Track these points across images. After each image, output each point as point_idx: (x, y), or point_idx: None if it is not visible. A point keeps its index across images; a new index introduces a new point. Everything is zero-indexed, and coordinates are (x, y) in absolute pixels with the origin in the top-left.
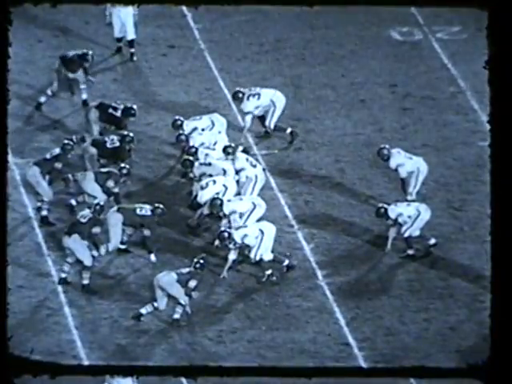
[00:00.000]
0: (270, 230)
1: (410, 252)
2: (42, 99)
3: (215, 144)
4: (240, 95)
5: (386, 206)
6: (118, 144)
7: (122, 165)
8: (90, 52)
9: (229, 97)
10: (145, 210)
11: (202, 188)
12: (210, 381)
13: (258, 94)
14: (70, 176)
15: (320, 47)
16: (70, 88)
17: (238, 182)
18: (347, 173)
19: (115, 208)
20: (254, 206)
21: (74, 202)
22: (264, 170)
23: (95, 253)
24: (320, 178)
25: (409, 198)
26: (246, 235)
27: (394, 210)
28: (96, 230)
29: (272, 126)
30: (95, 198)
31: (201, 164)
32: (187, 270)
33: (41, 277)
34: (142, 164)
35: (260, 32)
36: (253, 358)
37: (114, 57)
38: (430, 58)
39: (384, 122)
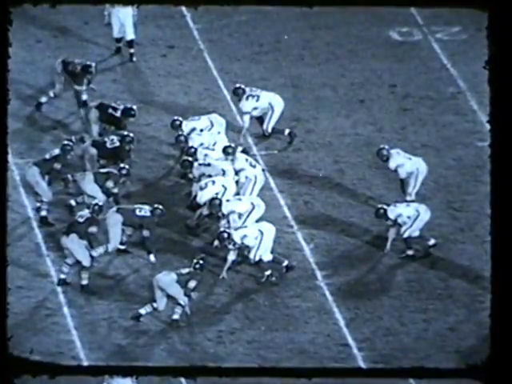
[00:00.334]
0: (270, 230)
1: (410, 252)
2: (43, 99)
3: (214, 144)
4: (240, 92)
5: (385, 206)
6: (118, 144)
7: (122, 165)
8: (93, 64)
9: (228, 97)
10: (144, 210)
11: (202, 188)
12: (210, 381)
13: (258, 96)
14: (69, 176)
15: (320, 47)
16: (78, 99)
17: (237, 182)
18: (347, 173)
19: (114, 208)
20: (253, 207)
21: (73, 202)
22: (263, 170)
23: (94, 253)
24: (319, 178)
25: (408, 198)
26: (245, 236)
27: (393, 211)
28: (92, 229)
29: (270, 130)
30: (94, 198)
31: (200, 164)
32: (187, 270)
33: (40, 277)
34: (141, 164)
35: (260, 32)
36: (252, 358)
37: (113, 57)
38: (430, 59)
39: (383, 123)
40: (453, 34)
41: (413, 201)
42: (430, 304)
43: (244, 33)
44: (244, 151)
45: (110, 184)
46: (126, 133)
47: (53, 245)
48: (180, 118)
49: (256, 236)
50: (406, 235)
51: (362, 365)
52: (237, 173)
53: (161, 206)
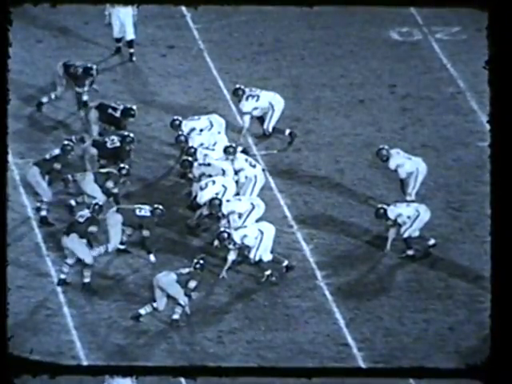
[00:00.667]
0: (270, 230)
1: (410, 252)
2: (44, 99)
3: (215, 144)
4: (240, 92)
5: (385, 206)
6: (118, 144)
7: (122, 165)
8: (95, 66)
9: (228, 97)
10: (144, 210)
11: (202, 188)
12: (210, 381)
13: (257, 96)
14: (69, 176)
15: (319, 47)
16: (78, 100)
17: (237, 182)
18: (346, 173)
19: (114, 208)
20: (253, 207)
21: (73, 202)
22: (263, 170)
23: (93, 252)
24: (319, 178)
25: (408, 198)
26: (245, 235)
27: (393, 211)
28: (92, 228)
29: (270, 129)
30: (94, 198)
31: (200, 164)
32: (187, 270)
33: (40, 277)
34: (141, 164)
35: (259, 32)
36: (252, 358)
37: (113, 57)
38: (430, 59)
39: (383, 123)
40: (453, 33)
41: (413, 201)
42: (430, 304)
43: (244, 33)
44: (244, 151)
45: (110, 184)
46: (126, 133)
47: (53, 245)
48: (180, 118)
49: (256, 236)
50: (405, 235)
51: (362, 365)
52: (236, 173)
53: (161, 206)
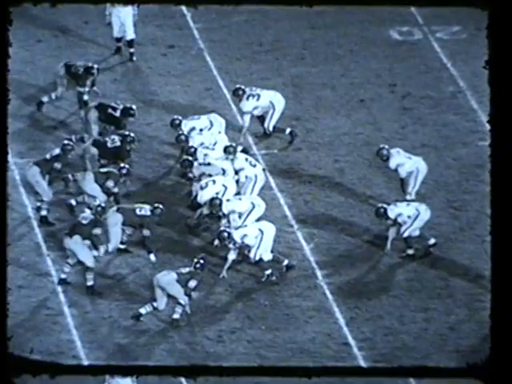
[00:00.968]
0: (270, 229)
1: (410, 252)
2: (45, 99)
3: (215, 144)
4: (240, 92)
5: (385, 205)
6: (118, 144)
7: (122, 165)
8: (96, 66)
9: (228, 97)
10: (144, 210)
11: (202, 188)
12: (210, 381)
13: (258, 95)
14: (69, 176)
15: (320, 47)
16: (80, 100)
17: (237, 181)
18: (347, 173)
19: (115, 208)
20: (253, 206)
21: (73, 202)
22: (264, 169)
23: (95, 253)
24: (319, 177)
25: (408, 197)
26: (245, 235)
27: (393, 210)
28: (97, 231)
29: (271, 128)
30: (95, 198)
31: (200, 164)
32: (187, 269)
33: (40, 277)
34: (141, 164)
35: (260, 32)
36: (252, 357)
37: (113, 57)
38: (430, 58)
39: (383, 122)
40: (453, 33)
41: (413, 200)
42: (431, 303)
43: (244, 33)
44: (244, 151)
45: (110, 183)
46: (127, 132)
47: (53, 244)
48: (180, 117)
49: (256, 235)
50: (406, 234)
51: (363, 364)
52: (237, 172)
53: (161, 206)
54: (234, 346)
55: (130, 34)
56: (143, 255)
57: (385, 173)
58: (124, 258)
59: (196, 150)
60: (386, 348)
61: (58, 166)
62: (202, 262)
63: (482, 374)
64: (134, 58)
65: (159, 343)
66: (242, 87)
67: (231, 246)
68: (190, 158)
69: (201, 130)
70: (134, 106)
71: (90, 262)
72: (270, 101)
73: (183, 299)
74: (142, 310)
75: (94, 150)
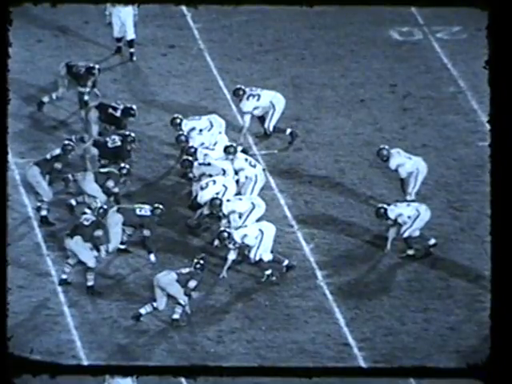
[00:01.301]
0: (270, 230)
1: (410, 252)
2: (45, 99)
3: (215, 144)
4: (241, 92)
5: (385, 206)
6: (119, 144)
7: (122, 165)
8: (97, 66)
9: (228, 97)
10: (144, 210)
11: (202, 188)
12: (210, 381)
13: (258, 95)
14: (69, 176)
15: (320, 47)
16: (80, 100)
17: (237, 182)
18: (347, 173)
19: (115, 208)
20: (254, 206)
21: (73, 202)
22: (264, 170)
23: (95, 253)
24: (320, 178)
25: (408, 198)
26: (245, 235)
27: (393, 211)
28: (98, 232)
29: (271, 128)
30: (95, 198)
31: (200, 164)
32: (187, 270)
33: (40, 277)
34: (141, 164)
35: (260, 32)
36: (252, 358)
37: (113, 57)
38: (430, 58)
39: (384, 122)
40: (453, 33)
41: (413, 200)
42: (431, 304)
43: (244, 33)
44: (244, 151)
45: (110, 184)
46: (127, 132)
47: (53, 244)
48: (180, 116)
49: (256, 235)
50: (406, 235)
51: (363, 364)
52: (237, 172)
53: (161, 206)
54: (233, 346)
55: (131, 34)
56: (143, 255)
57: (385, 173)
58: (124, 258)
59: (196, 150)
60: (386, 348)
61: (58, 166)
62: (201, 262)
63: (482, 375)
64: (135, 58)
65: (159, 343)
66: (242, 87)
67: (231, 246)
68: (190, 158)
69: (200, 130)
70: (134, 106)
71: (91, 263)
72: (270, 101)
73: (183, 299)
74: (142, 311)
75: (95, 150)
